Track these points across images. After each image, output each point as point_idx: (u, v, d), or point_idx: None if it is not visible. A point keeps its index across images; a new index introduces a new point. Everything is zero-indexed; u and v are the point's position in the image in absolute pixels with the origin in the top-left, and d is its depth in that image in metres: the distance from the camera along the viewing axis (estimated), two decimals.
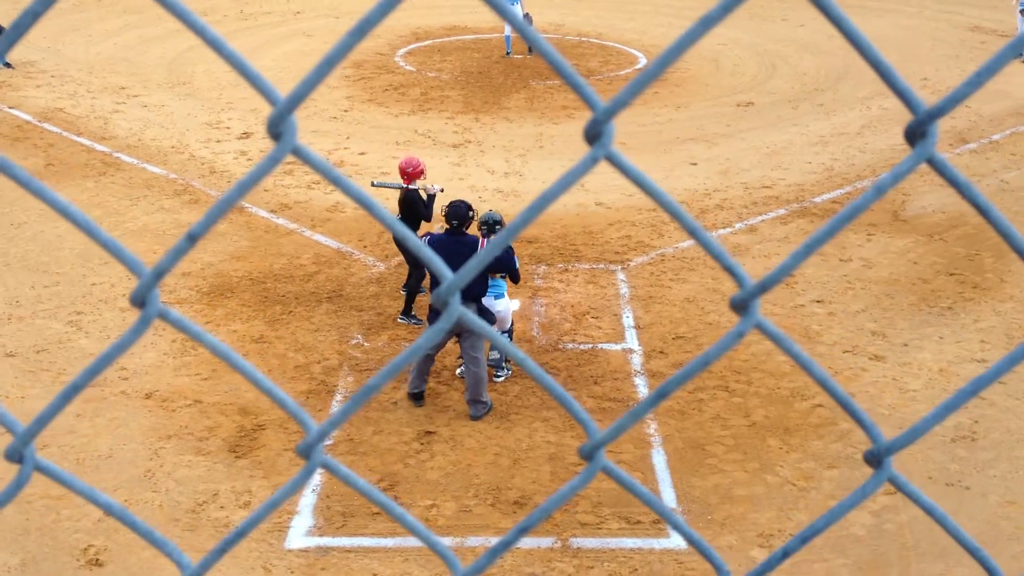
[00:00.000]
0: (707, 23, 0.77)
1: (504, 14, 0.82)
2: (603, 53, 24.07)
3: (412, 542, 7.88)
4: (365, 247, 13.13)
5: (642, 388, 10.01)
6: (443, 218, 9.59)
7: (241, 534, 0.95)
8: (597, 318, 11.37)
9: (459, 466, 8.81)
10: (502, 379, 10.10)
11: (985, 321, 11.41)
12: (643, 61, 23.41)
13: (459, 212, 9.42)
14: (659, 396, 0.89)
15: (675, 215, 0.85)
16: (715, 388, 9.98)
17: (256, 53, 23.16)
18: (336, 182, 0.85)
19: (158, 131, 17.79)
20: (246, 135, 17.59)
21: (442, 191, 11.53)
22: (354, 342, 10.80)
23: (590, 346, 10.79)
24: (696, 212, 14.54)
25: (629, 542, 7.91)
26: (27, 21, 0.78)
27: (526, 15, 22.94)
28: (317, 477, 8.56)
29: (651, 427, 9.36)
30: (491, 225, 9.92)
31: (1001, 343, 10.91)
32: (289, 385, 9.94)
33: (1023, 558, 7.74)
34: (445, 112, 19.26)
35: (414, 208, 11.10)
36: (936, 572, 7.61)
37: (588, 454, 0.93)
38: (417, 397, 9.64)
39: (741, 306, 0.87)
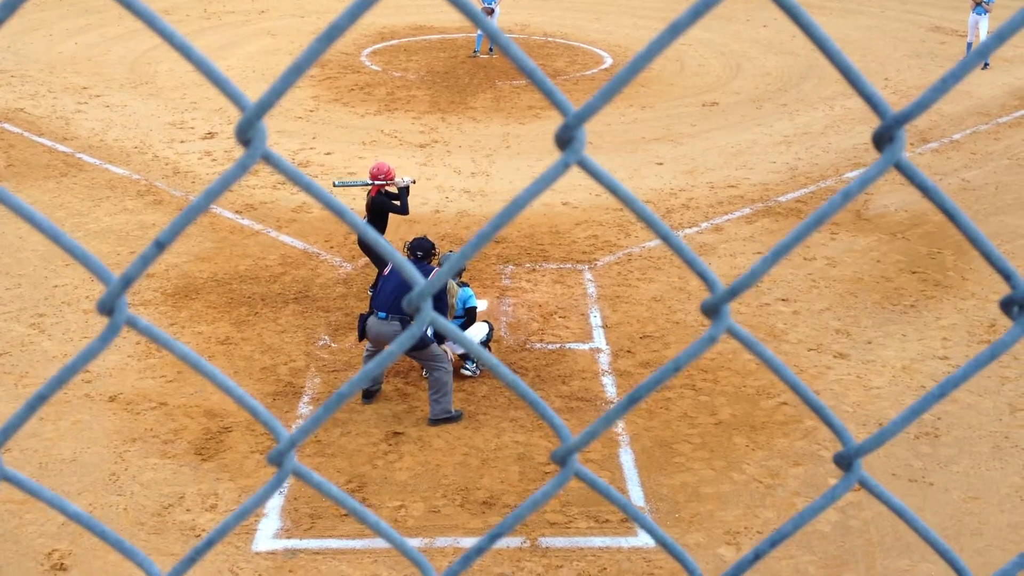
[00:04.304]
0: (676, 29, 0.77)
1: (479, 23, 0.82)
2: (569, 53, 24.11)
3: (381, 543, 7.86)
4: (331, 248, 13.07)
5: (610, 387, 10.04)
6: (405, 250, 9.82)
7: (211, 543, 0.95)
8: (565, 318, 11.39)
9: (427, 467, 8.79)
10: (470, 373, 10.11)
11: (947, 319, 11.55)
12: (609, 61, 23.47)
13: (424, 244, 9.80)
14: (631, 401, 0.90)
15: (648, 221, 0.85)
16: (682, 387, 10.03)
17: (221, 52, 22.98)
18: (308, 188, 0.84)
19: (121, 131, 17.60)
20: (210, 135, 17.45)
21: (414, 182, 11.58)
22: (321, 343, 10.74)
23: (558, 346, 10.81)
24: (662, 212, 14.61)
25: (598, 541, 7.93)
26: None
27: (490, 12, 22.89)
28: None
29: (619, 426, 9.39)
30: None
31: (963, 340, 11.05)
32: (256, 387, 9.87)
33: (987, 553, 7.84)
34: (411, 112, 19.21)
35: (383, 212, 11.19)
36: (901, 567, 7.69)
37: (561, 459, 0.94)
38: (367, 395, 9.72)
39: (712, 311, 0.87)
